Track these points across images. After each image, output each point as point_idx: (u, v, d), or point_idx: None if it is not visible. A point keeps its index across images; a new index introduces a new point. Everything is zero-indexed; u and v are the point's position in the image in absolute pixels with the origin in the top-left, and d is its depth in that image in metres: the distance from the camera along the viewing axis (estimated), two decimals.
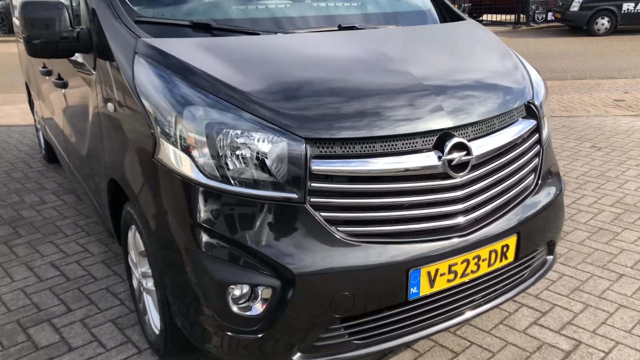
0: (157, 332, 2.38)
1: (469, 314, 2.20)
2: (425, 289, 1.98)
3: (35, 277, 3.18)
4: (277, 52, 2.17)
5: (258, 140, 1.81)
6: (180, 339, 2.20)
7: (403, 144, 1.93)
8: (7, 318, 2.79)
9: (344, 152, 1.86)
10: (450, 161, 1.96)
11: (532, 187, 2.32)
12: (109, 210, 2.64)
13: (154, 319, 2.40)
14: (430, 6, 3.06)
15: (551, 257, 2.53)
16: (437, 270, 1.98)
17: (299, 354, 1.92)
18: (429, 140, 1.97)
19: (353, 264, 1.84)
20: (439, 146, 1.97)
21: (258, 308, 1.84)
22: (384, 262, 1.88)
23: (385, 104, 1.97)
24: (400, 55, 2.25)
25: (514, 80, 2.38)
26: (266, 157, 1.81)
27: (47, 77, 3.55)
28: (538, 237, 2.31)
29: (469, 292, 2.15)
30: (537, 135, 2.38)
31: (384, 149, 1.91)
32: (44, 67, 3.59)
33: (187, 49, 2.10)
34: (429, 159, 1.95)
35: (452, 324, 2.16)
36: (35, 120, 5.52)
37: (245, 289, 1.85)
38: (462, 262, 2.03)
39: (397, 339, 2.03)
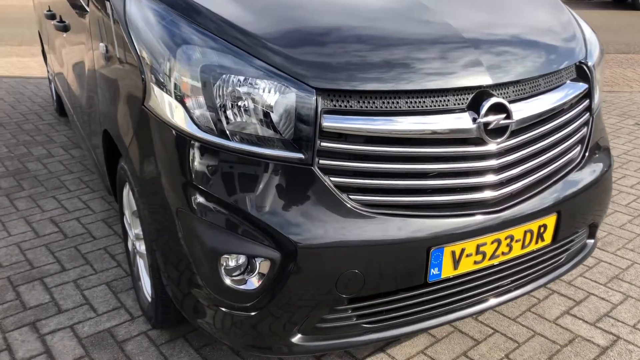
0: (149, 299, 2.18)
1: (495, 300, 1.94)
2: (447, 271, 1.73)
3: (33, 233, 3.01)
4: None
5: (262, 89, 1.55)
6: (172, 309, 2.00)
7: (432, 101, 1.65)
8: None
9: (362, 107, 1.59)
10: (486, 124, 1.68)
11: (578, 160, 2.02)
12: (105, 165, 2.43)
13: (147, 285, 2.20)
14: None
15: (592, 241, 2.25)
16: (462, 250, 1.72)
17: (299, 336, 1.70)
18: (464, 98, 1.69)
19: (365, 238, 1.59)
20: (474, 107, 1.69)
21: (254, 282, 1.60)
22: (402, 237, 1.62)
23: (414, 54, 1.68)
24: (439, 5, 1.94)
25: (565, 37, 2.05)
26: (270, 109, 1.55)
27: (52, 22, 3.32)
28: (580, 218, 2.02)
29: (498, 276, 1.89)
30: (588, 101, 2.06)
31: (409, 106, 1.63)
32: (49, 10, 3.35)
33: None
34: (461, 121, 1.66)
35: (476, 311, 1.91)
36: (48, 71, 5.34)
37: (241, 259, 1.61)
38: (492, 242, 1.76)
39: (412, 325, 1.79)
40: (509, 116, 1.71)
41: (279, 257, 1.56)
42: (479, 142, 1.70)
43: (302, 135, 1.55)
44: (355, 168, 1.60)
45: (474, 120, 1.67)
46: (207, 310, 1.70)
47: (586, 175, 2.01)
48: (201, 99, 1.56)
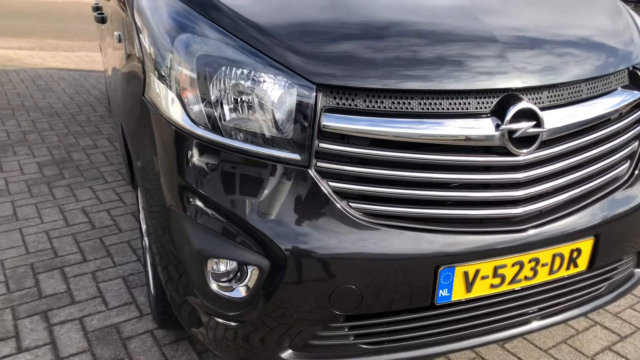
0: (153, 297, 2.12)
1: (517, 330, 1.74)
2: (459, 293, 1.55)
3: (64, 221, 3.05)
4: None
5: (258, 83, 1.43)
6: (170, 311, 1.92)
7: (450, 103, 1.48)
8: (23, 260, 2.66)
9: (368, 106, 1.44)
10: (511, 132, 1.49)
11: (625, 178, 1.78)
12: (126, 158, 2.40)
13: (151, 282, 2.14)
14: None
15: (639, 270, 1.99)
16: (477, 272, 1.53)
17: (290, 351, 1.57)
18: (488, 102, 1.51)
19: (364, 251, 1.44)
20: (500, 112, 1.50)
21: (241, 290, 1.49)
22: (407, 253, 1.46)
23: (432, 50, 1.51)
24: (479, 4, 1.75)
25: (616, 38, 1.82)
26: (265, 104, 1.43)
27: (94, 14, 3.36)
28: (624, 244, 1.78)
29: (521, 302, 1.69)
30: None
31: (422, 108, 1.47)
32: (95, 3, 3.40)
33: None
34: (483, 127, 1.48)
35: (494, 340, 1.71)
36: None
37: (232, 265, 1.50)
38: (513, 265, 1.57)
39: (417, 350, 1.62)
40: (539, 124, 1.51)
41: (268, 266, 1.44)
42: (503, 151, 1.51)
43: (298, 134, 1.42)
44: (358, 173, 1.45)
45: (497, 126, 1.48)
46: (202, 318, 1.61)
47: (634, 195, 1.77)
48: (196, 90, 1.47)
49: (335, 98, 1.43)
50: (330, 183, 1.45)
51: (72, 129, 4.67)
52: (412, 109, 1.46)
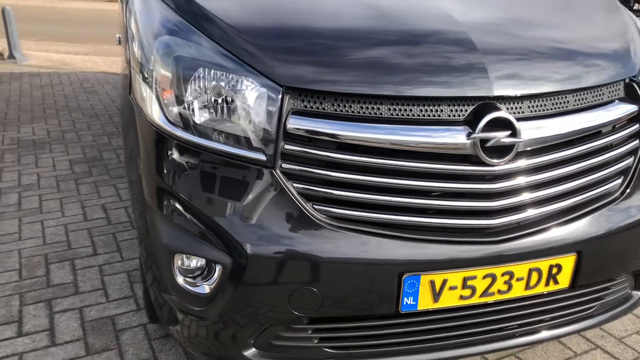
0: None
1: (494, 345, 1.69)
2: (425, 303, 1.52)
3: (82, 216, 3.18)
4: None
5: (228, 84, 1.47)
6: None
7: (422, 110, 1.47)
8: (39, 250, 2.80)
9: (336, 110, 1.45)
10: (484, 141, 1.46)
11: (617, 194, 1.71)
12: None
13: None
14: None
15: (639, 293, 1.89)
16: (444, 282, 1.51)
17: (253, 350, 1.58)
18: (462, 110, 1.48)
19: (325, 255, 1.44)
20: (475, 120, 1.48)
21: (206, 287, 1.52)
22: (369, 259, 1.46)
23: (405, 57, 1.51)
24: (459, 6, 1.74)
25: (612, 49, 1.75)
26: (233, 106, 1.47)
27: None
28: (612, 263, 1.71)
29: (494, 317, 1.64)
30: (638, 126, 1.74)
31: (392, 114, 1.46)
32: None
33: None
34: (454, 135, 1.46)
35: (468, 353, 1.67)
36: None
37: (201, 262, 1.54)
38: (484, 277, 1.53)
39: (382, 358, 1.60)
40: (515, 134, 1.48)
41: (230, 263, 1.46)
42: (477, 161, 1.49)
43: (264, 135, 1.45)
44: (323, 176, 1.46)
45: (469, 135, 1.46)
46: (176, 316, 1.64)
47: (625, 213, 1.69)
48: (172, 91, 1.52)
49: (303, 101, 1.45)
50: (295, 185, 1.46)
51: (107, 129, 4.87)
52: (381, 114, 1.46)
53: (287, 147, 1.45)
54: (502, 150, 1.48)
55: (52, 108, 5.51)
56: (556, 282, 1.63)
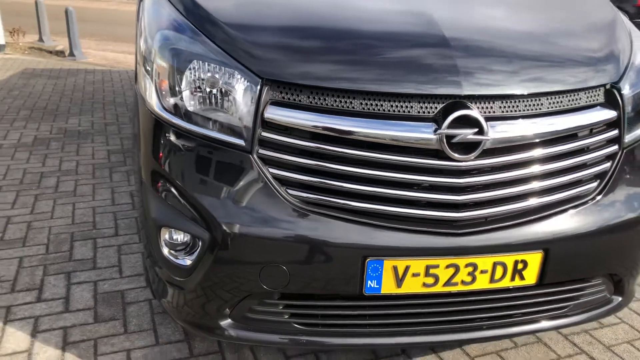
0: None
1: (462, 335, 1.76)
2: (389, 287, 1.61)
3: (111, 201, 3.41)
4: None
5: (215, 75, 1.61)
6: None
7: (392, 105, 1.56)
8: (67, 229, 3.04)
9: (311, 103, 1.57)
10: (450, 137, 1.54)
11: (590, 197, 1.74)
12: None
13: None
14: None
15: (619, 298, 1.91)
16: (407, 268, 1.59)
17: (229, 321, 1.72)
18: (431, 107, 1.57)
19: (294, 235, 1.57)
20: (444, 117, 1.56)
21: (187, 259, 1.67)
22: (334, 242, 1.56)
23: (379, 54, 1.61)
24: (437, 4, 1.83)
25: (595, 53, 1.79)
26: (218, 95, 1.61)
27: None
28: (583, 264, 1.74)
29: (461, 307, 1.71)
30: (617, 132, 1.77)
31: (364, 108, 1.56)
32: None
33: None
34: (421, 130, 1.55)
35: (435, 341, 1.75)
36: None
37: (185, 237, 1.69)
38: (447, 267, 1.61)
39: (348, 338, 1.70)
40: (482, 131, 1.55)
41: (208, 238, 1.60)
42: (444, 156, 1.57)
43: (244, 122, 1.59)
44: (297, 163, 1.58)
45: (435, 131, 1.55)
46: (166, 289, 1.80)
47: (598, 216, 1.73)
48: (165, 79, 1.68)
49: (281, 92, 1.58)
50: (271, 170, 1.59)
51: None
52: (353, 108, 1.56)
53: (264, 134, 1.58)
54: (469, 147, 1.56)
55: (99, 102, 5.86)
56: (522, 278, 1.68)
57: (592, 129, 1.73)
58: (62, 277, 2.58)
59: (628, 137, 1.79)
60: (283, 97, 1.58)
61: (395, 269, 1.59)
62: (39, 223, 3.10)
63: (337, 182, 1.57)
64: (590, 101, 1.73)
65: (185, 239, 1.69)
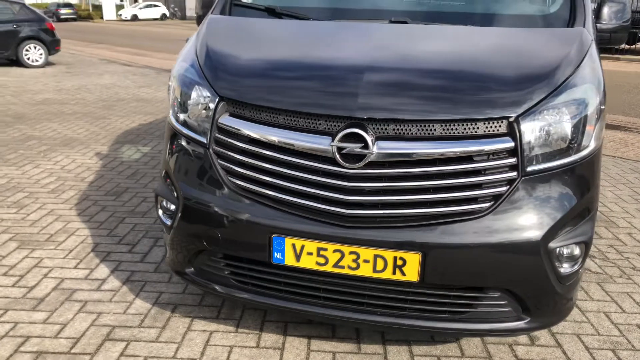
0: None
1: (358, 315, 2.14)
2: (290, 260, 2.07)
3: None
4: (283, 32, 2.57)
5: (192, 90, 2.30)
6: None
7: (306, 122, 2.04)
8: (120, 213, 3.84)
9: (252, 116, 2.14)
10: (340, 149, 1.97)
11: (482, 214, 1.97)
12: None
13: None
14: (550, 11, 2.70)
15: (527, 318, 2.11)
16: (302, 247, 2.05)
17: (192, 269, 2.35)
18: (334, 126, 1.99)
19: (226, 210, 2.14)
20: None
21: (169, 220, 2.38)
22: (251, 219, 2.10)
23: (306, 84, 2.13)
24: (390, 45, 2.30)
25: (506, 88, 2.04)
26: (191, 105, 2.30)
27: None
28: (468, 272, 2.01)
29: (354, 290, 2.11)
30: (515, 160, 1.98)
31: (286, 122, 2.07)
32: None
33: (234, 23, 2.69)
34: (322, 142, 1.99)
35: (333, 316, 2.16)
36: None
37: (171, 205, 2.37)
38: (334, 251, 2.02)
39: (268, 298, 2.21)
40: (366, 146, 1.93)
41: (177, 205, 2.28)
42: (335, 163, 1.98)
43: (205, 125, 2.23)
44: (237, 159, 2.15)
45: (330, 142, 1.98)
46: (166, 249, 2.48)
47: (484, 233, 1.96)
48: (175, 98, 2.41)
49: (233, 106, 2.18)
50: (220, 161, 2.19)
51: None
52: (278, 122, 2.09)
53: (217, 135, 2.19)
54: (359, 158, 1.97)
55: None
56: (403, 274, 2.00)
57: (489, 155, 1.95)
58: (153, 241, 3.33)
59: (531, 168, 1.99)
60: (234, 110, 2.18)
61: (293, 246, 2.06)
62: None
63: (261, 175, 2.11)
64: (489, 130, 1.96)
65: (173, 208, 2.34)
